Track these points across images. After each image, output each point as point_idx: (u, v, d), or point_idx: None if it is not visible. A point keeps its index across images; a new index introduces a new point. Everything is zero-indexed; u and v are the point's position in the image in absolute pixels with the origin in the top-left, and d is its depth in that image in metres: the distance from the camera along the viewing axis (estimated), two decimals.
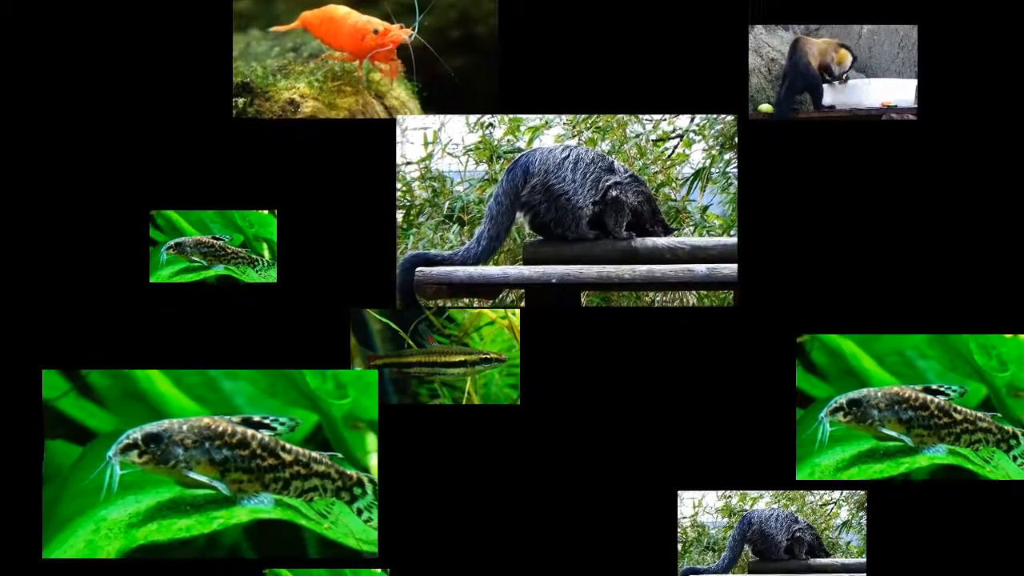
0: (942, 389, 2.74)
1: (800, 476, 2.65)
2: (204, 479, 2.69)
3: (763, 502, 2.71)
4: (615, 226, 2.80)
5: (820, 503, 2.71)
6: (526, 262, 2.91)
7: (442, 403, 2.87)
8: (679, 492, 2.65)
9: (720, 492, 2.67)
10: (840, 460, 2.69)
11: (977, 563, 2.63)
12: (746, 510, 2.73)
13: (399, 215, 3.06)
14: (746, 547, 2.74)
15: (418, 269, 2.92)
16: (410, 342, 2.83)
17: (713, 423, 2.68)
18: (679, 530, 2.65)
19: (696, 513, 2.69)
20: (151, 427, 2.67)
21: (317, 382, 2.79)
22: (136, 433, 2.65)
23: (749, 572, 2.76)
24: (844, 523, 2.73)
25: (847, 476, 2.67)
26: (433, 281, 2.91)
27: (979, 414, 2.75)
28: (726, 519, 2.73)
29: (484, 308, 2.85)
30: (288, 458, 2.73)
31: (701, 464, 2.67)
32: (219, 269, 2.91)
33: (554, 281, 2.77)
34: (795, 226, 2.66)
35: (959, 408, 2.75)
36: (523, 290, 2.88)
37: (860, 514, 2.65)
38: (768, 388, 2.68)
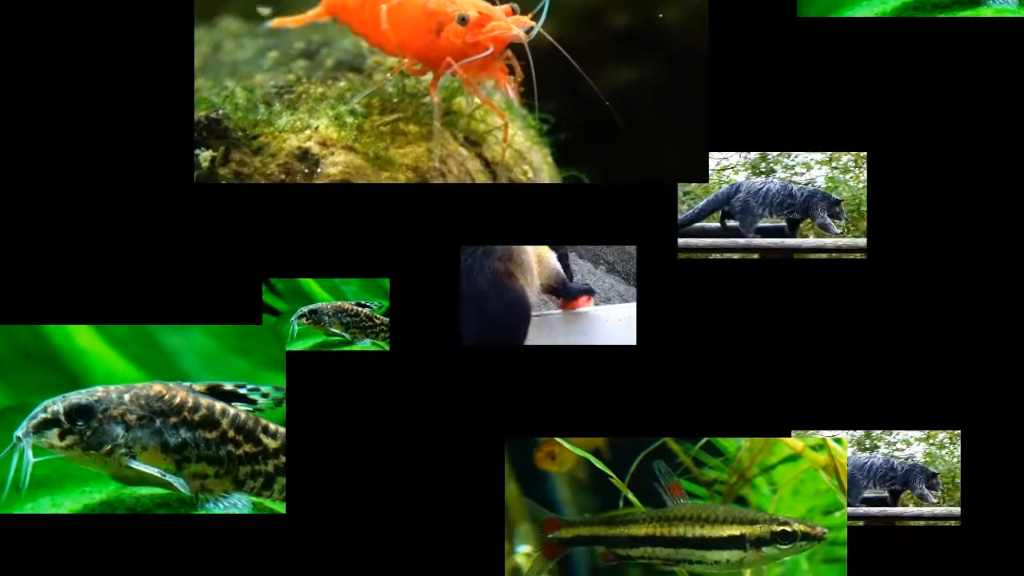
0: None
1: None
2: (153, 471, 2.04)
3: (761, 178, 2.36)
4: None
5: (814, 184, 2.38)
6: None
7: None
8: None
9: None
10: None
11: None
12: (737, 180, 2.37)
13: None
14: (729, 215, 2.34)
15: None
16: (631, 496, 2.02)
17: None
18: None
19: None
20: (78, 396, 2.03)
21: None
22: (57, 404, 2.02)
23: (725, 236, 2.30)
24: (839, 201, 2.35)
25: None
26: None
27: None
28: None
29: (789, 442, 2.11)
30: (274, 445, 2.10)
31: None
32: (366, 344, 2.27)
33: None
34: None
35: None
36: None
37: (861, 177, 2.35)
38: None
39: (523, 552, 2.03)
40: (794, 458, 1.98)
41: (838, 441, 2.05)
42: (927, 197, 2.32)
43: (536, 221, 2.23)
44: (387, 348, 2.18)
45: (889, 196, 2.33)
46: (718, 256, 2.30)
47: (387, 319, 2.18)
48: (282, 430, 2.12)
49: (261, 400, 2.08)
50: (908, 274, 2.28)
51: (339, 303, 2.25)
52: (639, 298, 2.20)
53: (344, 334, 2.24)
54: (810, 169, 2.36)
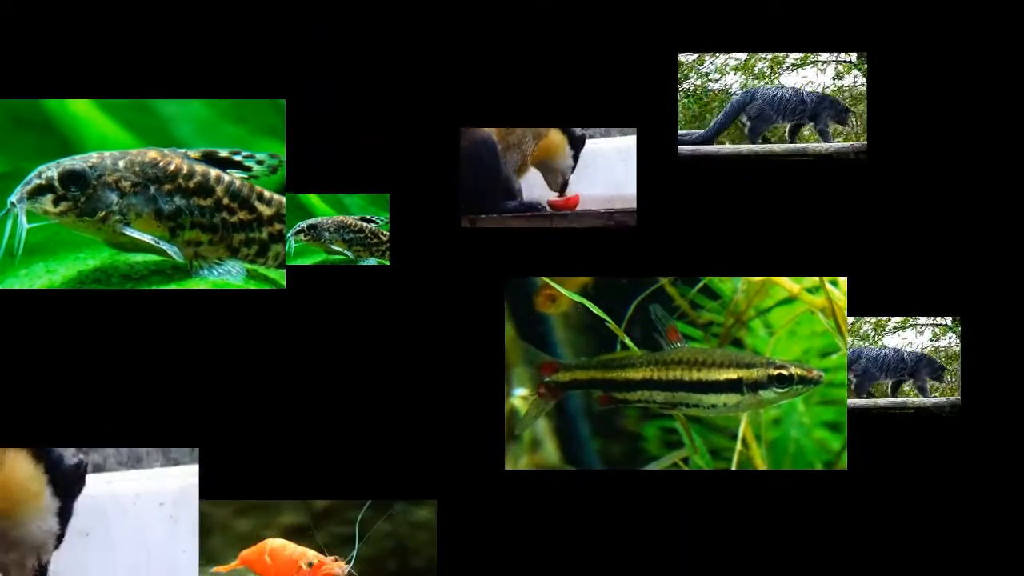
0: None
1: None
2: (147, 238, 2.01)
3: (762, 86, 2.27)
4: None
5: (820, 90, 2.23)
6: None
7: (685, 461, 1.92)
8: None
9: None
10: None
11: None
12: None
13: None
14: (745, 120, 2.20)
15: None
16: (627, 340, 1.98)
17: None
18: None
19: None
20: (72, 162, 1.98)
21: None
22: (52, 170, 1.96)
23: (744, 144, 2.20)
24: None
25: None
26: None
27: None
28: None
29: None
30: (268, 212, 2.07)
31: None
32: (370, 262, 2.16)
33: None
34: None
35: None
36: None
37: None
38: None
39: (520, 395, 1.98)
40: (790, 301, 1.94)
41: (834, 283, 2.02)
42: (926, 97, 2.24)
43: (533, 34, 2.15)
44: (389, 264, 2.10)
45: (889, 97, 2.24)
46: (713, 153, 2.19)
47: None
48: (277, 197, 2.08)
49: (256, 167, 2.05)
50: (907, 172, 2.20)
51: (341, 218, 2.13)
52: (639, 182, 2.08)
53: (347, 252, 2.13)
54: (724, 75, 2.27)
